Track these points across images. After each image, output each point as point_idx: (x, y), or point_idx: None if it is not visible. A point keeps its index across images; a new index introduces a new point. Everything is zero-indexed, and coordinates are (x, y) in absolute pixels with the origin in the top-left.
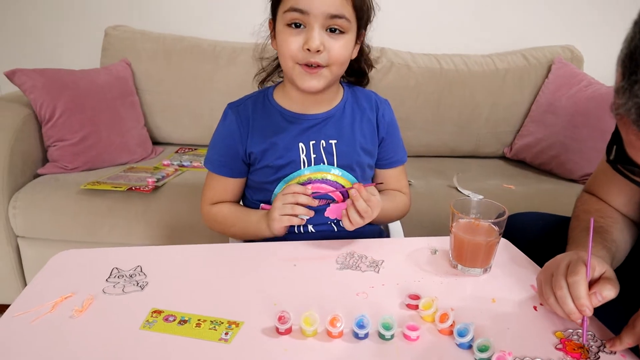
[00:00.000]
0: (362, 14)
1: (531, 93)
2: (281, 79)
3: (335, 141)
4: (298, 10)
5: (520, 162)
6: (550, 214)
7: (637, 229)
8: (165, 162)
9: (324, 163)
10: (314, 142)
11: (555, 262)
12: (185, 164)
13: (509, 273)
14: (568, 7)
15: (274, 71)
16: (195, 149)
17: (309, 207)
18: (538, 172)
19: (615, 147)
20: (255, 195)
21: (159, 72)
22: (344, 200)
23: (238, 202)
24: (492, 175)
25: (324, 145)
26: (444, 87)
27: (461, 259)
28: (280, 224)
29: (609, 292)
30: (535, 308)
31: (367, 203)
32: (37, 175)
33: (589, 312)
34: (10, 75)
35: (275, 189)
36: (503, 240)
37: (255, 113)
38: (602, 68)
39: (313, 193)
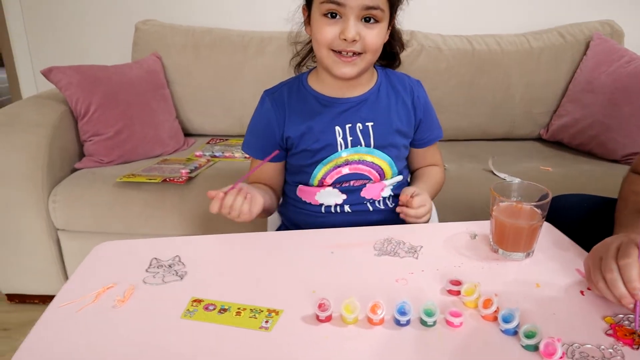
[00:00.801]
0: (395, 1)
1: (568, 72)
2: (315, 64)
3: (371, 123)
4: (334, 2)
5: (557, 144)
6: (594, 195)
7: None
8: (198, 153)
9: (361, 145)
10: (350, 125)
11: (604, 245)
12: (217, 154)
13: (553, 257)
14: None
15: (307, 55)
16: (226, 139)
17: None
18: (576, 153)
19: None
20: (294, 178)
21: (188, 65)
22: (380, 180)
23: (277, 186)
24: (528, 157)
25: (361, 127)
26: (477, 68)
27: (503, 243)
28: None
29: None
30: (582, 293)
31: (417, 213)
32: (74, 170)
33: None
34: (47, 73)
35: (314, 171)
36: (545, 224)
37: (291, 99)
38: None
39: (350, 174)
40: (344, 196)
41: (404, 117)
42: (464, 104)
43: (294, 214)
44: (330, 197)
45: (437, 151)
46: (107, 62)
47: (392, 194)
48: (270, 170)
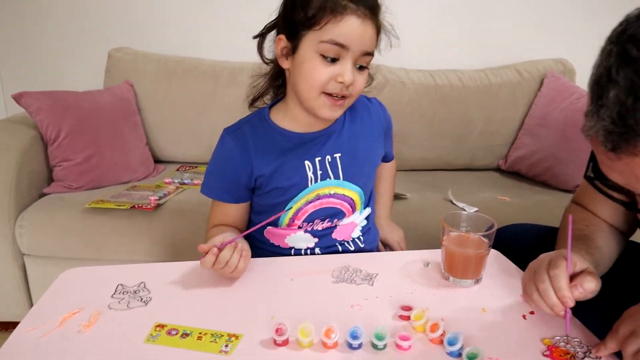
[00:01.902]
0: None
1: (524, 106)
2: (271, 100)
3: (339, 154)
4: (339, 45)
5: (515, 174)
6: (541, 225)
7: (623, 238)
8: (167, 180)
9: (330, 178)
10: (319, 158)
11: (538, 261)
12: (186, 181)
13: (500, 284)
14: (560, 20)
15: (267, 90)
16: (196, 167)
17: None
18: (533, 183)
19: (591, 163)
20: (261, 219)
21: (160, 93)
22: (352, 212)
23: (242, 227)
24: (487, 187)
25: (329, 160)
26: (439, 102)
27: (452, 270)
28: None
29: (589, 283)
30: (524, 317)
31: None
32: (42, 195)
33: (571, 302)
34: (18, 98)
35: (285, 211)
36: (494, 252)
37: (256, 137)
38: None
39: (322, 209)
40: (316, 240)
41: (370, 143)
42: (426, 136)
43: (261, 256)
44: (301, 242)
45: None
46: (79, 88)
47: (361, 233)
48: (238, 212)
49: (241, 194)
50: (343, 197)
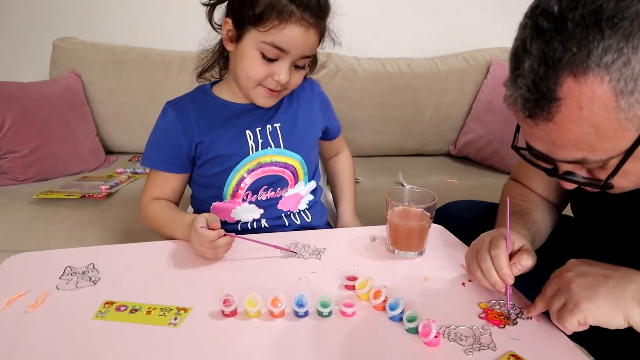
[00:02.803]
0: (319, 45)
1: (472, 93)
2: (218, 76)
3: (279, 124)
4: (279, 49)
5: (464, 159)
6: (482, 201)
7: (557, 212)
8: (119, 170)
9: (270, 147)
10: (259, 127)
11: (480, 240)
12: (138, 171)
13: (442, 255)
14: (505, 10)
15: (214, 63)
16: None
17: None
18: (480, 167)
19: (516, 134)
20: (205, 192)
21: (109, 83)
22: (295, 182)
23: (177, 201)
24: (437, 171)
25: (270, 129)
26: (389, 89)
27: (397, 243)
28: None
29: (526, 261)
30: (463, 284)
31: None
32: None
33: (511, 280)
34: None
35: (227, 180)
36: (438, 227)
37: (196, 107)
38: None
39: (265, 177)
40: (261, 210)
41: (308, 117)
42: (378, 122)
43: None
44: (247, 213)
45: (342, 139)
46: (23, 80)
47: (307, 206)
48: (176, 183)
49: (181, 164)
50: (285, 165)
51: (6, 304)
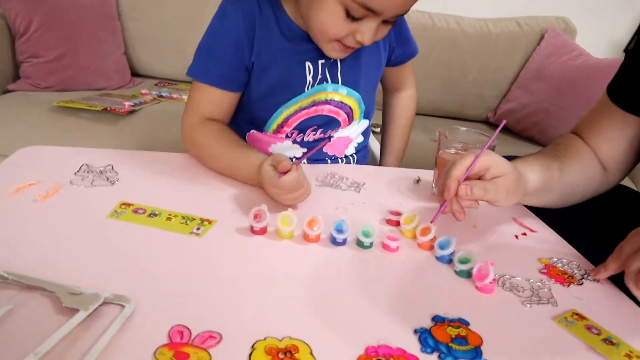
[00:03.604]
0: None
1: (521, 59)
2: None
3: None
4: (369, 9)
5: (503, 128)
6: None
7: (607, 179)
8: (144, 91)
9: (327, 82)
10: (322, 61)
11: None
12: (164, 94)
13: (492, 206)
14: None
15: None
16: (175, 84)
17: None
18: (519, 138)
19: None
20: (243, 115)
21: (145, 1)
22: (348, 123)
23: (227, 124)
24: None
25: (331, 61)
26: (434, 43)
27: (438, 181)
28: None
29: (478, 190)
30: (516, 237)
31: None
32: (7, 91)
33: (447, 194)
34: None
35: (273, 114)
36: None
37: (262, 15)
38: (594, 42)
39: (317, 117)
40: (304, 150)
41: (374, 48)
42: (418, 78)
43: None
44: (288, 151)
45: (410, 71)
46: None
47: (355, 151)
48: (231, 103)
49: (239, 79)
50: (340, 105)
51: (15, 191)
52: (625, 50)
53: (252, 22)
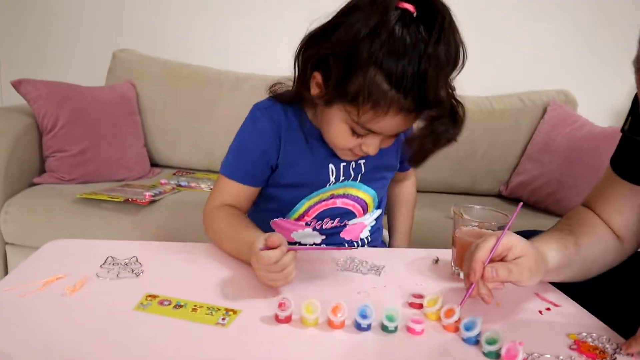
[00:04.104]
0: None
1: (527, 132)
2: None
3: (363, 160)
4: (371, 131)
5: (516, 200)
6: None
7: (623, 249)
8: (163, 181)
9: (347, 180)
10: (344, 163)
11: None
12: (182, 184)
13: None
14: (562, 53)
15: (291, 98)
16: (193, 173)
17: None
18: (534, 209)
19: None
20: (269, 205)
21: (162, 95)
22: (363, 214)
23: (246, 211)
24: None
25: (354, 166)
26: None
27: (463, 265)
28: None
29: (503, 271)
30: (540, 312)
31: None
32: (32, 185)
33: (473, 276)
34: (17, 85)
35: (296, 206)
36: None
37: (288, 122)
38: (595, 112)
39: (334, 209)
40: (323, 237)
41: (392, 151)
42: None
43: None
44: (308, 238)
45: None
46: (80, 84)
47: (369, 234)
48: (251, 195)
49: (262, 177)
50: (356, 199)
51: (42, 285)
52: (622, 131)
53: (278, 128)
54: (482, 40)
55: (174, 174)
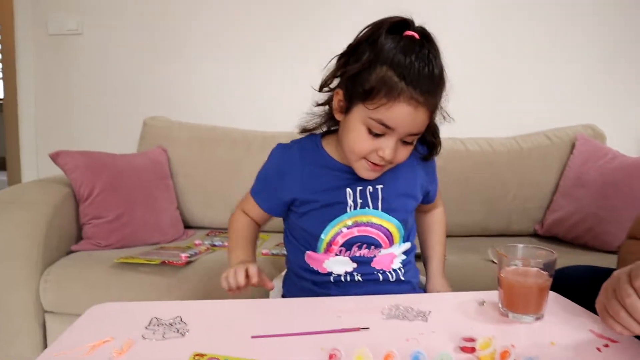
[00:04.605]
0: (432, 123)
1: (557, 169)
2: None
3: (381, 186)
4: (385, 125)
5: (552, 239)
6: (600, 267)
7: None
8: (197, 242)
9: (368, 207)
10: (360, 187)
11: (614, 277)
12: (216, 244)
13: (563, 320)
14: (585, 88)
15: (317, 128)
16: (226, 232)
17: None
18: (572, 246)
19: None
20: (300, 240)
21: (192, 158)
22: (389, 245)
23: (262, 224)
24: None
25: (371, 190)
26: (471, 167)
27: (512, 305)
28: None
29: None
30: (599, 349)
31: None
32: (70, 252)
33: None
34: (55, 157)
35: (322, 232)
36: (553, 293)
37: (304, 157)
38: (625, 143)
39: (359, 236)
40: (354, 265)
41: (411, 181)
42: (461, 201)
43: (299, 285)
44: (340, 266)
45: (438, 196)
46: (112, 151)
47: (401, 265)
48: (265, 217)
49: (275, 206)
50: (380, 228)
51: (90, 349)
52: None
53: (293, 162)
54: (506, 80)
55: (207, 234)
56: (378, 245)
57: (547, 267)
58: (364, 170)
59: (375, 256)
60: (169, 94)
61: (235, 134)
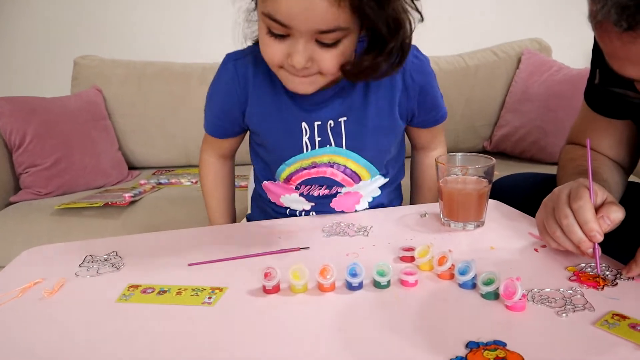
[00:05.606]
0: (367, 9)
1: (504, 85)
2: None
3: (344, 118)
4: (277, 22)
5: (500, 154)
6: (537, 173)
7: (625, 173)
8: (143, 182)
9: (330, 145)
10: (319, 122)
11: (554, 195)
12: (163, 182)
13: (504, 226)
14: (532, 1)
15: None
16: (172, 170)
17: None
18: (520, 160)
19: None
20: (259, 165)
21: (130, 96)
22: (356, 184)
23: (234, 154)
24: None
25: (332, 125)
26: None
27: (452, 214)
28: None
29: (616, 214)
30: (536, 250)
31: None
32: (9, 204)
33: (600, 237)
34: None
35: (278, 169)
36: (492, 201)
37: (256, 76)
38: (570, 55)
39: (319, 177)
40: (312, 204)
41: (386, 107)
42: None
43: (260, 211)
44: (297, 204)
45: (441, 132)
46: (45, 96)
47: (367, 207)
48: (233, 145)
49: (233, 130)
50: (344, 170)
51: (20, 292)
52: (596, 85)
53: (244, 84)
54: None
55: (154, 173)
56: (341, 185)
57: (486, 173)
58: (289, 82)
59: (336, 194)
60: (99, 30)
61: (174, 67)
